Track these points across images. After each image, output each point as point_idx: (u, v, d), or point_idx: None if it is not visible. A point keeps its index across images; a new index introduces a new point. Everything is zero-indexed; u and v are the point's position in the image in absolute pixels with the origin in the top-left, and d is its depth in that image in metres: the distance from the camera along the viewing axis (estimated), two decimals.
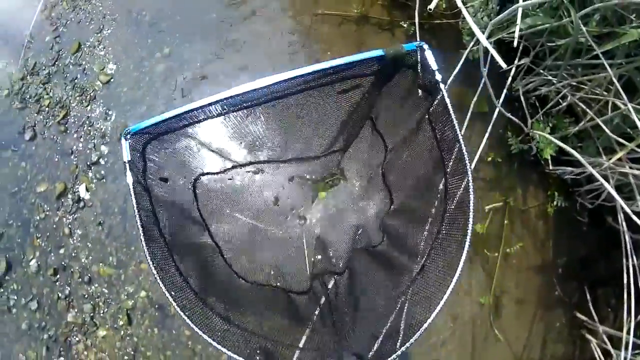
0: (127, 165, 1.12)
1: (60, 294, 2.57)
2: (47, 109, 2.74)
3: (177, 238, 1.29)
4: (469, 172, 1.03)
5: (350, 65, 1.12)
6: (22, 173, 2.78)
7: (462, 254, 0.98)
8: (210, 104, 1.14)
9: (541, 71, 1.75)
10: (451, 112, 1.07)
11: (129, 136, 1.13)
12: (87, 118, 2.59)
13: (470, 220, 0.98)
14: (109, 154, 2.54)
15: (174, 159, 1.36)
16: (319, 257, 1.72)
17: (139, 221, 1.10)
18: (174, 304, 1.03)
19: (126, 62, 2.61)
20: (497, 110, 1.70)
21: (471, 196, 1.00)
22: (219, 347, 1.01)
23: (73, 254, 2.59)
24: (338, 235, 1.73)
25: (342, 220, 1.75)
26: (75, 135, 2.62)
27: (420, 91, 1.17)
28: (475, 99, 1.77)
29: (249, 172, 1.74)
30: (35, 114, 2.77)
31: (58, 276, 2.59)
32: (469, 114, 1.79)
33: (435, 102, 1.12)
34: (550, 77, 1.74)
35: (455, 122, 1.06)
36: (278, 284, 1.63)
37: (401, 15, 2.37)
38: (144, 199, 1.17)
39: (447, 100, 1.08)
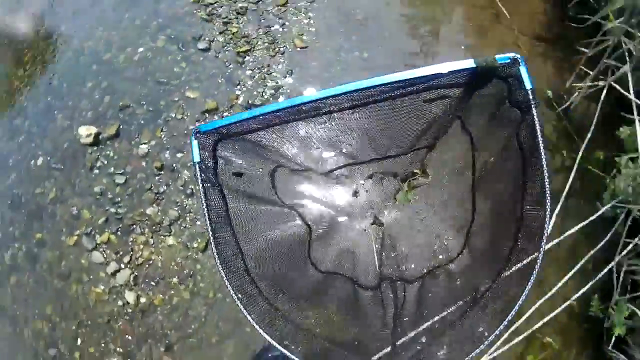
0: (197, 166, 1.14)
1: (152, 187, 2.69)
2: (231, 35, 2.95)
3: (251, 234, 1.33)
4: (547, 218, 0.99)
5: (438, 75, 1.10)
6: (178, 71, 2.93)
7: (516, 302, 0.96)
8: (283, 109, 1.14)
9: None
10: (539, 136, 1.02)
11: (198, 134, 1.15)
12: (268, 66, 2.81)
13: (534, 274, 0.97)
14: (274, 99, 2.74)
15: (248, 157, 1.39)
16: (389, 256, 1.70)
17: (208, 224, 1.14)
18: (240, 306, 1.07)
19: (325, 42, 2.87)
20: None
21: (540, 255, 0.98)
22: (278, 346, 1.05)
23: (188, 164, 2.74)
24: (410, 240, 1.67)
25: (418, 226, 1.70)
26: (248, 73, 2.83)
27: (511, 105, 1.13)
28: None
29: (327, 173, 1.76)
30: (218, 33, 2.96)
31: (162, 172, 2.71)
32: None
33: (525, 122, 1.08)
34: None
35: (542, 149, 1.01)
36: (347, 274, 1.65)
37: None
38: (215, 198, 1.20)
39: (537, 123, 1.03)
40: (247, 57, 2.85)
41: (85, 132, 2.80)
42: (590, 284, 1.96)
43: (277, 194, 1.58)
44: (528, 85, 1.04)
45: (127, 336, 2.60)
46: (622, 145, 2.18)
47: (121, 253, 2.66)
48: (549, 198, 1.00)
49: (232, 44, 2.91)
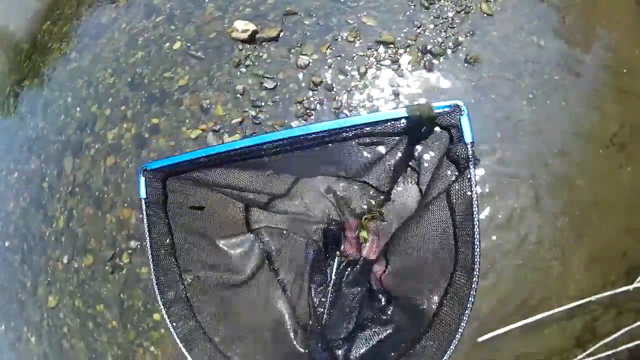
0: (143, 202, 1.23)
1: (304, 101, 2.43)
2: None
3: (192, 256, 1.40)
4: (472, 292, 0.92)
5: (371, 124, 1.06)
6: None
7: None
8: (217, 153, 1.19)
9: None
10: (474, 200, 0.93)
11: (145, 172, 1.24)
12: (452, 19, 2.58)
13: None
14: (450, 56, 2.52)
15: (201, 192, 1.46)
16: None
17: (150, 256, 1.23)
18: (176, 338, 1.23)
19: (509, 17, 2.60)
20: None
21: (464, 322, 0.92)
22: None
23: (349, 89, 2.49)
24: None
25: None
26: (431, 18, 2.57)
27: (448, 159, 1.04)
28: None
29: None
30: None
31: (317, 89, 2.46)
32: None
33: (461, 180, 0.99)
34: None
35: (475, 214, 0.93)
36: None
37: None
38: (160, 231, 1.28)
39: (473, 184, 0.94)
40: (433, 4, 2.62)
41: (243, 26, 2.56)
42: None
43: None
44: (468, 138, 0.93)
45: None
46: None
47: None
48: (477, 268, 0.92)
49: None
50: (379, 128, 1.09)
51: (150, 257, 1.21)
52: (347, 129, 1.08)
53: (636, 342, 1.75)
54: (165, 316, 1.19)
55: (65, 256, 2.67)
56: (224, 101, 2.52)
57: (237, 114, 2.46)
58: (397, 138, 1.18)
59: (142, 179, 1.22)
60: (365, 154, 1.34)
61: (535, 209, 2.12)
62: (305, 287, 1.55)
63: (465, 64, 2.39)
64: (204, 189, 1.41)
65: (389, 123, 1.05)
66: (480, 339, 1.83)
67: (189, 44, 2.74)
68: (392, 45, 2.46)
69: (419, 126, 1.03)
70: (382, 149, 1.30)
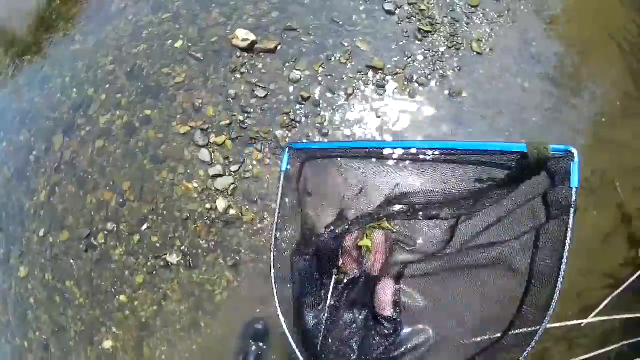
0: (282, 174, 1.38)
1: (290, 113, 2.57)
2: (418, 11, 2.90)
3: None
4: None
5: (488, 152, 1.12)
6: (356, 19, 2.87)
7: None
8: (354, 147, 1.41)
9: None
10: (567, 246, 0.94)
11: (291, 150, 1.41)
12: (442, 54, 2.77)
13: None
14: (434, 87, 2.69)
15: (323, 181, 1.59)
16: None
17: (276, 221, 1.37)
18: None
19: (497, 57, 2.80)
20: None
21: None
22: None
23: (334, 106, 2.65)
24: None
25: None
26: (421, 51, 2.75)
27: (543, 201, 1.05)
28: None
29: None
30: (407, 3, 2.90)
31: (305, 103, 2.61)
32: None
33: (553, 222, 1.01)
34: None
35: (564, 263, 0.93)
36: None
37: None
38: (289, 202, 1.42)
39: (569, 230, 0.94)
40: (426, 37, 2.81)
41: (244, 35, 2.72)
42: None
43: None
44: (575, 183, 0.96)
45: (198, 239, 2.45)
46: None
47: (231, 160, 2.54)
48: (549, 316, 0.97)
49: (417, 19, 2.87)
50: (495, 159, 1.13)
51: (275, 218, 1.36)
52: (464, 151, 1.15)
53: None
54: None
55: (42, 229, 2.75)
56: (216, 103, 2.66)
57: (227, 117, 2.60)
58: (506, 173, 1.17)
59: (287, 155, 1.39)
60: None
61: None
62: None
63: (448, 96, 2.56)
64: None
65: (502, 156, 1.09)
66: None
67: (190, 44, 2.88)
68: (381, 71, 2.63)
69: (531, 165, 1.04)
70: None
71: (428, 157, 1.25)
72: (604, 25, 2.88)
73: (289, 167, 1.36)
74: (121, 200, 2.63)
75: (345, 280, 1.49)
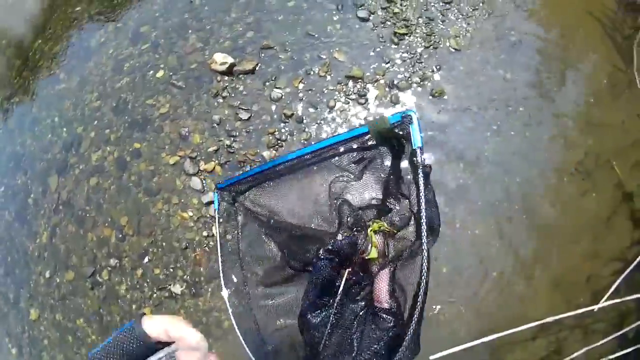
0: (216, 212, 1.46)
1: (275, 132, 2.59)
2: (392, 14, 2.90)
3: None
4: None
5: (340, 142, 1.17)
6: (331, 30, 2.88)
7: None
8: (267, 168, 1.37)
9: None
10: (422, 200, 0.92)
11: (218, 190, 1.46)
12: (420, 55, 2.76)
13: None
14: (415, 90, 2.70)
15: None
16: None
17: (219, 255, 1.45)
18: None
19: (475, 51, 2.79)
20: None
21: None
22: None
23: (319, 121, 2.66)
24: None
25: None
26: (399, 54, 2.75)
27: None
28: None
29: None
30: (380, 8, 2.89)
31: (288, 121, 2.62)
32: None
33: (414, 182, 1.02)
34: None
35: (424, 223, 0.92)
36: None
37: None
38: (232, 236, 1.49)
39: (422, 189, 0.93)
40: (403, 40, 2.81)
41: (222, 59, 2.74)
42: None
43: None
44: (417, 143, 0.96)
45: (199, 267, 2.48)
46: None
47: None
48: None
49: (391, 22, 2.86)
50: (354, 146, 1.18)
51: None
52: (325, 149, 1.19)
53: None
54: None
55: (48, 271, 2.81)
56: (201, 129, 2.69)
57: (213, 143, 2.63)
58: (376, 150, 1.22)
59: (216, 195, 1.45)
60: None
61: (498, 235, 2.29)
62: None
63: (430, 97, 2.57)
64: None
65: (362, 140, 1.15)
66: (432, 357, 1.78)
67: (171, 73, 2.90)
68: (360, 80, 2.65)
69: (382, 139, 1.09)
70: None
71: (316, 159, 1.30)
72: (582, 4, 2.84)
73: (219, 207, 1.43)
74: (120, 236, 2.67)
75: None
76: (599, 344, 1.88)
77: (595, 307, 1.83)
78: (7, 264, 3.02)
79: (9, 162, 3.36)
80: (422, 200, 0.92)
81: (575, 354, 1.88)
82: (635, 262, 1.93)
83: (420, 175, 0.93)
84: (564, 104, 2.54)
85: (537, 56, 2.68)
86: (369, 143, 1.20)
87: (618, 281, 1.87)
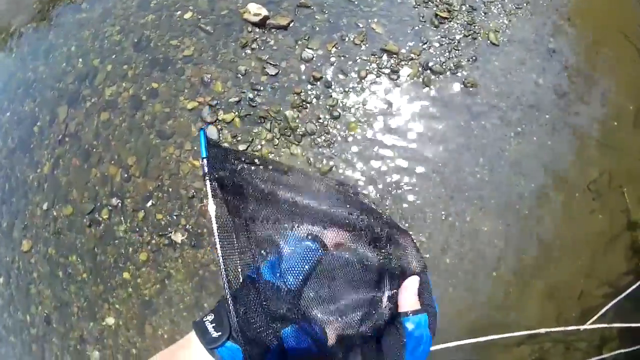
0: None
1: (301, 93, 2.51)
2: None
3: None
4: None
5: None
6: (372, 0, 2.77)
7: None
8: None
9: None
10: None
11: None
12: (458, 42, 2.66)
13: None
14: (448, 76, 2.62)
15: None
16: None
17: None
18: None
19: (513, 50, 2.71)
20: None
21: None
22: None
23: (346, 88, 2.57)
24: None
25: None
26: (438, 37, 2.65)
27: None
28: None
29: None
30: None
31: (316, 84, 2.54)
32: None
33: None
34: None
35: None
36: None
37: None
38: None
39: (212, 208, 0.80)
40: (443, 24, 2.70)
41: (256, 9, 2.62)
42: None
43: None
44: (203, 153, 0.86)
45: (202, 219, 2.40)
46: None
47: (239, 139, 2.48)
48: None
49: (434, 4, 2.76)
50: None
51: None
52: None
53: None
54: None
55: (46, 203, 2.72)
56: (225, 78, 2.58)
57: (235, 94, 2.53)
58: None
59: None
60: None
61: (501, 236, 2.24)
62: None
63: (462, 86, 2.48)
64: None
65: None
66: None
67: (199, 17, 2.78)
68: (395, 56, 2.55)
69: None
70: None
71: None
72: (619, 26, 2.78)
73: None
74: (126, 176, 2.58)
75: None
76: None
77: (582, 327, 1.87)
78: (5, 191, 2.93)
79: (18, 88, 3.24)
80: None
81: None
82: (627, 292, 1.93)
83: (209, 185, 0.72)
84: (588, 121, 2.49)
85: (570, 68, 2.60)
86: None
87: (607, 306, 1.89)
